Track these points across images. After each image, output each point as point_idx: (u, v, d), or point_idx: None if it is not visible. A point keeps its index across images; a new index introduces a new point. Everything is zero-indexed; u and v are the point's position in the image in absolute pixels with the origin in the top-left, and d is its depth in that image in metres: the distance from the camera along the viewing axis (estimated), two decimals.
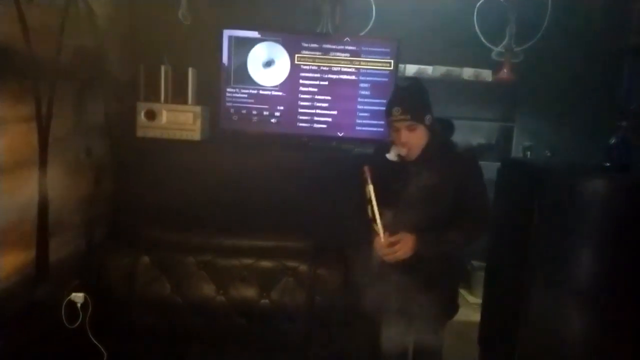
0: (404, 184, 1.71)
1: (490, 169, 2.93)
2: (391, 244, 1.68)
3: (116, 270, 2.22)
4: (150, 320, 2.19)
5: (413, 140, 1.69)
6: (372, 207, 1.69)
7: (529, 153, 3.18)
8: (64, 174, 1.96)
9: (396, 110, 1.67)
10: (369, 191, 1.69)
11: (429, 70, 3.09)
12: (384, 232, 1.69)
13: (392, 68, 2.35)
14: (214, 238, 2.35)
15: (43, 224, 1.84)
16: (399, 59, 2.40)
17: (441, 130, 1.78)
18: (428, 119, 1.68)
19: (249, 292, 2.22)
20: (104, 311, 2.11)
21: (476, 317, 2.74)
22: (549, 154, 3.04)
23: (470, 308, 3.14)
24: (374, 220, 1.70)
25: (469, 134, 3.35)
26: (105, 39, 2.24)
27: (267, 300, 2.21)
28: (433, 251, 1.70)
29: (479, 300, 3.02)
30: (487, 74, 3.15)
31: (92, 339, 2.06)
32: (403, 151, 1.71)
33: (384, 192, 1.69)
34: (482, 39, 2.95)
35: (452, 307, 1.97)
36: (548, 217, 1.94)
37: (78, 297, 2.03)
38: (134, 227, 2.34)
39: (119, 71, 2.38)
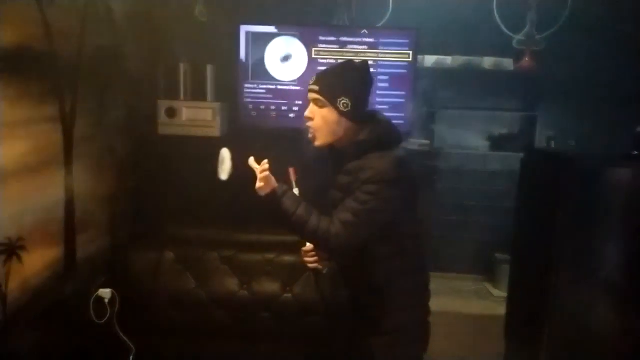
0: (322, 177, 1.58)
1: (513, 160, 2.90)
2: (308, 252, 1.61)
3: (141, 266, 2.26)
4: (175, 314, 2.22)
5: (318, 119, 1.47)
6: None
7: (552, 143, 3.11)
8: (88, 173, 2.00)
9: (311, 80, 1.50)
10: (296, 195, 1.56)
11: (448, 60, 3.04)
12: None
13: (410, 59, 2.33)
14: (236, 233, 2.37)
15: (70, 222, 1.88)
16: (418, 49, 2.36)
17: (378, 136, 1.49)
18: (343, 103, 1.43)
19: (272, 286, 2.24)
20: (131, 307, 2.15)
21: (501, 310, 2.71)
22: (573, 143, 2.97)
23: (494, 301, 3.10)
24: None
25: (490, 125, 3.30)
26: (125, 38, 2.27)
27: (289, 295, 2.23)
28: (281, 211, 1.44)
29: (504, 294, 2.99)
30: (508, 63, 3.08)
31: (120, 334, 2.11)
32: (308, 130, 1.51)
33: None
34: (503, 27, 2.89)
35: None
36: (574, 207, 1.90)
37: (105, 293, 2.07)
38: (158, 224, 2.38)
39: (139, 70, 2.41)
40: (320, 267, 1.66)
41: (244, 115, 2.46)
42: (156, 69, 2.44)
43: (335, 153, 1.54)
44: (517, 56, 3.04)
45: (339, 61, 1.65)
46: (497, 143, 3.29)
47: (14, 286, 1.57)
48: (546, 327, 2.02)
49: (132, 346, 2.13)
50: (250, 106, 2.46)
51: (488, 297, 3.21)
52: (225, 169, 1.58)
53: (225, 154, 1.58)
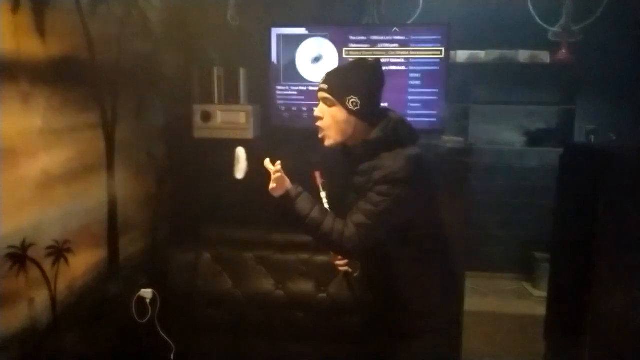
0: (344, 179, 1.55)
1: (551, 155, 2.83)
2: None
3: (180, 267, 2.33)
4: (213, 314, 2.27)
5: (327, 118, 1.45)
6: None
7: (592, 137, 3.01)
8: (129, 176, 2.07)
9: (321, 79, 1.49)
10: (323, 198, 1.55)
11: (481, 55, 2.99)
12: None
13: (443, 55, 2.29)
14: (270, 234, 2.40)
15: (112, 224, 1.95)
16: (450, 45, 2.33)
17: (389, 134, 1.45)
18: (352, 102, 1.41)
19: (307, 286, 2.26)
20: (171, 306, 2.21)
21: (541, 310, 2.65)
22: (614, 137, 2.86)
23: (534, 301, 3.04)
24: None
25: (526, 119, 3.22)
26: (161, 44, 2.33)
27: (324, 295, 2.24)
28: (294, 212, 1.43)
29: (544, 293, 2.92)
30: (544, 56, 3.00)
31: (161, 333, 2.17)
32: (318, 129, 1.49)
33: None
34: (537, 19, 2.82)
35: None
36: (615, 203, 1.84)
37: (147, 293, 2.14)
38: (195, 225, 2.44)
39: (175, 75, 2.47)
40: (350, 270, 1.65)
41: (276, 117, 2.48)
42: (191, 74, 2.49)
43: (348, 154, 1.51)
44: (554, 48, 2.96)
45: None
46: (534, 138, 3.21)
47: (62, 287, 1.64)
48: (589, 328, 1.96)
49: (172, 345, 2.19)
50: (283, 108, 2.48)
51: (527, 297, 3.15)
52: (240, 168, 1.59)
53: (241, 153, 1.59)
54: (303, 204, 1.44)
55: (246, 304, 2.26)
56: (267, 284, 2.27)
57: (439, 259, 1.55)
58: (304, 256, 2.30)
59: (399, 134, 1.45)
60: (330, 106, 1.45)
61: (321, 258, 2.28)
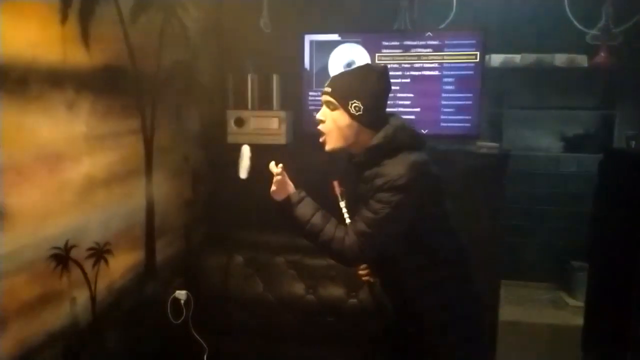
0: (351, 188, 1.51)
1: (589, 161, 2.75)
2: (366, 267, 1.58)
3: (213, 270, 2.36)
4: (246, 317, 2.30)
5: (329, 122, 1.42)
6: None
7: (633, 142, 2.90)
8: (166, 181, 2.12)
9: (326, 82, 1.46)
10: (342, 207, 1.51)
11: (516, 59, 2.94)
12: None
13: (477, 60, 2.27)
14: (301, 238, 2.40)
15: (150, 226, 2.00)
16: (485, 49, 2.30)
17: (390, 139, 1.40)
18: (355, 106, 1.37)
19: (337, 291, 2.26)
20: (205, 308, 2.25)
21: (577, 320, 2.58)
22: None
23: (570, 311, 2.96)
24: None
25: (563, 124, 3.15)
26: (197, 52, 2.39)
27: (355, 300, 2.23)
28: (295, 217, 1.43)
29: (580, 303, 2.84)
30: (582, 59, 2.93)
31: (195, 334, 2.21)
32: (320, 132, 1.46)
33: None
34: (575, 22, 2.75)
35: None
36: None
37: (181, 294, 2.18)
38: (228, 229, 2.48)
39: (210, 82, 2.53)
40: (372, 279, 1.63)
41: (308, 123, 2.50)
42: (226, 81, 2.55)
43: (353, 162, 1.48)
44: (592, 52, 2.88)
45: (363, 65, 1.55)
46: (572, 144, 3.14)
47: (101, 287, 1.69)
48: (629, 340, 1.89)
49: (205, 346, 2.22)
50: (315, 114, 2.49)
51: (563, 307, 3.07)
52: (244, 166, 1.56)
53: (245, 151, 1.56)
54: (304, 209, 1.42)
55: (277, 308, 2.28)
56: (298, 288, 2.29)
57: (452, 269, 1.49)
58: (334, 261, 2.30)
59: (400, 139, 1.40)
60: (333, 110, 1.42)
61: None
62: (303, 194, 1.46)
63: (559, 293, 3.19)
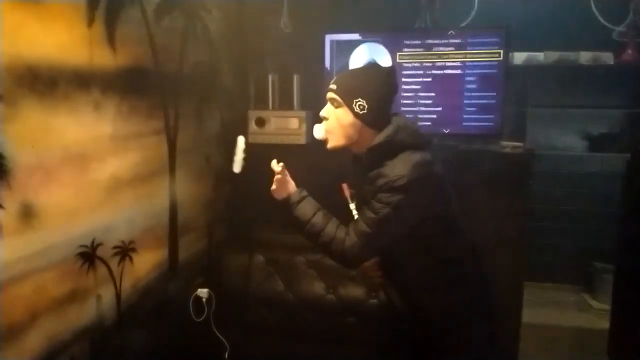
0: (354, 186, 1.53)
1: (615, 161, 2.69)
2: (375, 266, 1.57)
3: (234, 269, 2.39)
4: (267, 315, 2.31)
5: (332, 119, 1.42)
6: None
7: None
8: (188, 181, 2.15)
9: (331, 80, 1.46)
10: (352, 210, 1.52)
11: (539, 57, 2.88)
12: None
13: (501, 58, 2.24)
14: None
15: (173, 225, 2.03)
16: (509, 47, 2.27)
17: (391, 138, 1.39)
18: (359, 105, 1.37)
19: (358, 291, 2.26)
20: (226, 306, 2.27)
21: (602, 324, 2.53)
22: None
23: (594, 314, 2.89)
24: None
25: (589, 123, 3.08)
26: (219, 53, 2.41)
27: (375, 300, 2.23)
28: (296, 216, 1.44)
29: (605, 306, 2.78)
30: (607, 57, 2.86)
31: (216, 332, 2.23)
32: (322, 130, 1.46)
33: None
34: (600, 18, 2.69)
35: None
36: None
37: (203, 292, 2.21)
38: (249, 228, 2.49)
39: (231, 82, 2.55)
40: (384, 281, 1.62)
41: None
42: (247, 81, 2.56)
43: (357, 162, 1.47)
44: (618, 49, 2.82)
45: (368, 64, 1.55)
46: (597, 143, 3.06)
47: (126, 285, 1.72)
48: None
49: (226, 344, 2.24)
50: None
51: (587, 309, 3.00)
52: (237, 160, 1.55)
53: (240, 143, 1.55)
54: (304, 209, 1.43)
55: (297, 307, 2.29)
56: (318, 288, 2.29)
57: (460, 270, 1.47)
58: None
59: (401, 139, 1.39)
60: (337, 107, 1.41)
61: None
62: (304, 193, 1.47)
63: (582, 295, 3.12)
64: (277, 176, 1.45)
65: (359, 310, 2.23)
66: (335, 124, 1.42)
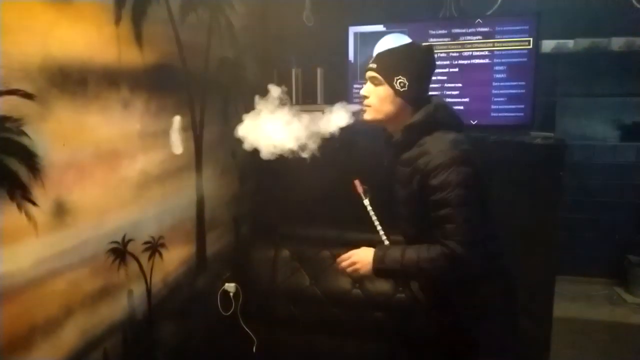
0: (388, 170, 1.53)
1: None
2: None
3: (260, 263, 2.40)
4: (294, 310, 2.32)
5: (373, 97, 1.43)
6: (374, 222, 1.57)
7: None
8: (215, 176, 2.16)
9: (370, 59, 1.48)
10: (367, 206, 1.56)
11: (569, 44, 2.80)
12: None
13: (531, 46, 2.17)
14: (346, 232, 2.40)
15: (201, 221, 2.05)
16: (539, 35, 2.20)
17: (430, 116, 1.41)
18: (399, 82, 1.38)
19: (384, 285, 2.24)
20: (253, 300, 2.29)
21: (636, 319, 2.45)
22: None
23: (628, 308, 2.81)
24: (380, 235, 1.58)
25: (621, 112, 2.98)
26: (243, 48, 2.41)
27: (402, 295, 2.21)
28: (391, 270, 1.42)
29: (639, 300, 2.70)
30: None
31: (244, 326, 2.25)
32: (362, 108, 1.49)
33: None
34: (634, 1, 2.59)
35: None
36: None
37: (230, 287, 2.23)
38: (275, 223, 2.50)
39: (256, 77, 2.54)
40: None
41: (354, 116, 2.48)
42: (271, 76, 2.55)
43: (390, 143, 1.49)
44: None
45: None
46: (630, 132, 2.96)
47: (156, 280, 1.74)
48: None
49: (254, 338, 2.26)
50: (359, 106, 2.47)
51: (620, 303, 2.92)
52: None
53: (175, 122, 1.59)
54: (391, 257, 1.41)
55: (324, 301, 2.29)
56: (344, 283, 2.28)
57: (494, 259, 1.45)
58: None
59: (441, 117, 1.40)
60: (377, 85, 1.43)
61: None
62: (379, 252, 1.44)
63: (614, 289, 3.04)
64: (344, 264, 1.51)
65: (386, 304, 2.22)
66: (375, 101, 1.44)
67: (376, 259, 1.43)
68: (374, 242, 2.28)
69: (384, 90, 1.41)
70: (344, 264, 1.50)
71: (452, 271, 1.34)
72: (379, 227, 1.58)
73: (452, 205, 1.30)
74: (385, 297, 2.22)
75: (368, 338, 2.23)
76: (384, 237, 1.57)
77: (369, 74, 1.45)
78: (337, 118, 1.59)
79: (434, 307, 1.57)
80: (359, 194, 1.57)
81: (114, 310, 1.53)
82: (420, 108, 1.41)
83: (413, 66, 1.41)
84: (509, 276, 1.49)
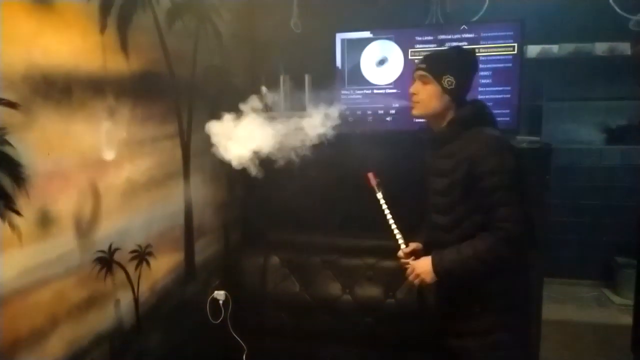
0: (428, 165, 1.63)
1: (635, 153, 2.64)
2: (408, 256, 1.61)
3: (250, 270, 2.38)
4: (284, 316, 2.31)
5: (422, 94, 1.55)
6: (386, 216, 1.63)
7: None
8: (203, 183, 2.16)
9: (418, 60, 1.61)
10: (380, 199, 1.63)
11: (554, 49, 2.85)
12: (404, 244, 1.63)
13: (515, 52, 2.20)
14: (337, 238, 2.41)
15: (189, 228, 2.04)
16: (524, 41, 2.23)
17: (474, 112, 1.55)
18: (447, 80, 1.51)
19: (374, 291, 2.24)
20: (243, 308, 2.27)
21: (624, 319, 2.48)
22: None
23: (616, 309, 2.84)
24: (392, 230, 1.63)
25: (606, 116, 3.03)
26: (230, 55, 2.41)
27: (392, 300, 2.21)
28: (453, 275, 1.50)
29: (627, 301, 2.74)
30: (624, 48, 2.81)
31: (234, 334, 2.23)
32: (410, 104, 1.59)
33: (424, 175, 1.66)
34: (616, 7, 2.63)
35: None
36: None
37: (220, 294, 2.21)
38: (264, 230, 2.49)
39: (243, 84, 2.55)
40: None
41: (341, 122, 2.49)
42: (259, 83, 2.56)
43: (434, 138, 1.59)
44: (635, 39, 2.76)
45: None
46: (615, 135, 3.01)
47: (144, 288, 1.73)
48: None
49: (244, 346, 2.25)
50: (347, 112, 2.48)
51: (608, 305, 2.95)
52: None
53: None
54: (449, 256, 1.49)
55: (314, 308, 2.28)
56: (334, 288, 2.28)
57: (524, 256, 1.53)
58: (371, 261, 2.28)
59: (484, 115, 1.55)
60: (426, 83, 1.54)
61: (387, 263, 2.26)
62: (437, 256, 1.52)
63: (602, 290, 3.08)
64: (408, 272, 1.56)
65: (376, 310, 2.21)
66: (423, 97, 1.55)
67: (435, 263, 1.51)
68: (363, 248, 2.31)
69: (433, 87, 1.53)
70: (410, 277, 1.58)
71: (510, 254, 1.44)
72: (391, 221, 1.65)
73: (505, 189, 1.42)
74: (375, 302, 2.22)
75: (358, 344, 2.22)
76: (394, 227, 1.64)
77: (419, 73, 1.56)
78: (319, 123, 1.65)
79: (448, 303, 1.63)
80: (372, 187, 1.65)
81: (101, 320, 1.52)
82: (462, 105, 1.54)
83: (460, 67, 1.54)
84: (525, 270, 1.58)
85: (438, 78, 1.52)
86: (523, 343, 1.60)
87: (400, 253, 1.62)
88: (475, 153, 1.44)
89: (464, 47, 1.69)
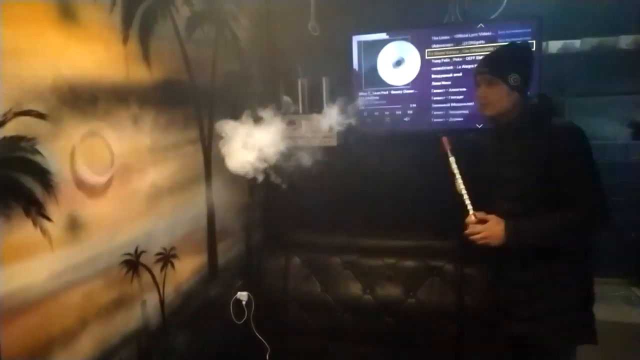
0: (496, 155, 1.67)
1: None
2: (480, 222, 1.61)
3: (272, 271, 2.42)
4: (306, 317, 2.34)
5: (490, 96, 1.60)
6: (457, 180, 1.66)
7: None
8: (224, 186, 2.20)
9: (478, 64, 1.65)
10: (452, 163, 1.67)
11: (575, 44, 2.78)
12: (473, 209, 1.63)
13: (534, 49, 2.17)
14: (357, 239, 2.42)
15: (212, 231, 2.09)
16: (542, 37, 2.20)
17: (545, 103, 1.64)
18: (513, 79, 1.56)
19: (395, 291, 2.25)
20: (265, 308, 2.31)
21: None
22: None
23: None
24: (461, 195, 1.65)
25: (633, 110, 2.94)
26: (249, 60, 2.45)
27: (413, 300, 2.21)
28: (525, 241, 1.55)
29: None
30: None
31: (257, 334, 2.27)
32: (480, 107, 1.65)
33: (484, 166, 1.71)
34: None
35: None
36: None
37: (243, 295, 2.25)
38: (285, 231, 2.53)
39: (262, 88, 2.59)
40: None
41: (359, 123, 2.50)
42: (278, 86, 2.59)
43: (504, 130, 1.64)
44: None
45: (504, 44, 1.74)
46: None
47: (169, 290, 1.78)
48: None
49: (267, 346, 2.28)
50: (365, 114, 2.50)
51: (638, 304, 2.87)
52: None
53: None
54: (523, 232, 1.54)
55: (335, 308, 2.30)
56: (355, 289, 2.30)
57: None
58: (391, 261, 2.30)
59: (550, 103, 1.64)
60: (492, 86, 1.59)
61: (408, 263, 2.27)
62: (518, 222, 1.55)
63: (631, 289, 2.99)
64: (473, 232, 1.60)
65: (397, 310, 2.22)
66: (493, 99, 1.61)
67: (508, 229, 1.55)
68: (383, 248, 2.32)
69: (500, 88, 1.58)
70: (476, 236, 1.60)
71: (587, 230, 1.55)
72: (461, 186, 1.66)
73: (587, 172, 1.51)
74: (396, 302, 2.23)
75: (380, 344, 2.23)
76: (464, 192, 1.65)
77: (482, 77, 1.62)
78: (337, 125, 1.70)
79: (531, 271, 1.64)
80: (445, 152, 1.69)
81: (128, 320, 1.57)
82: (528, 99, 1.62)
83: (521, 62, 1.61)
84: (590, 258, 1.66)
85: (504, 78, 1.57)
86: (592, 327, 1.71)
87: (472, 218, 1.63)
88: (554, 141, 1.50)
89: (517, 41, 1.82)
